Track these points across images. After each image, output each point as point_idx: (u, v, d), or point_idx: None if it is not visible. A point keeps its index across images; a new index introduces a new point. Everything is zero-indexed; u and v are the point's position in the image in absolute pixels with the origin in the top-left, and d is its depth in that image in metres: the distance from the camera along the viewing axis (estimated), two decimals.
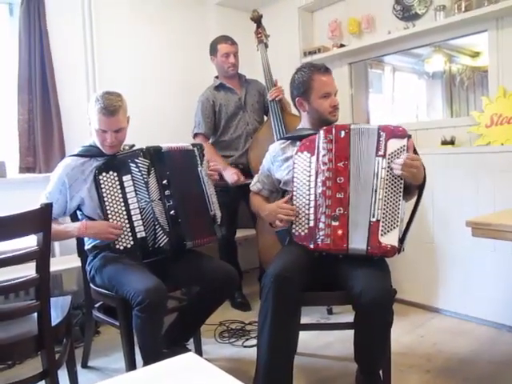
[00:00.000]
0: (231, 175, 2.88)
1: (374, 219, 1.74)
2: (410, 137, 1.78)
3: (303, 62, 3.33)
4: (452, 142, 2.77)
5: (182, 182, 2.09)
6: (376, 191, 1.75)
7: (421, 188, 1.84)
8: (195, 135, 3.06)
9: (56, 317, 1.68)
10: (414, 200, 1.87)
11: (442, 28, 2.79)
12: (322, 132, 1.87)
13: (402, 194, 1.76)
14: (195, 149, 2.17)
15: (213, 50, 3.10)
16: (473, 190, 2.53)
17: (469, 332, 2.51)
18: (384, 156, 1.76)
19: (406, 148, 1.75)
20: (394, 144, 1.76)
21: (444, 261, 2.75)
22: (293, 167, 1.93)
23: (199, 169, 2.15)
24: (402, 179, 1.75)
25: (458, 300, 2.69)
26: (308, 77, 1.99)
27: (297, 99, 2.04)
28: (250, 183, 2.24)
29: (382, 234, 1.73)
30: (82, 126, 2.93)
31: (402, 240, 1.77)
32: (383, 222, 1.73)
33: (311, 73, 2.00)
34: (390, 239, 1.73)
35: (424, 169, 1.80)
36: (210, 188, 2.17)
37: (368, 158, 1.79)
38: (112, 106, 1.95)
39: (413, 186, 1.82)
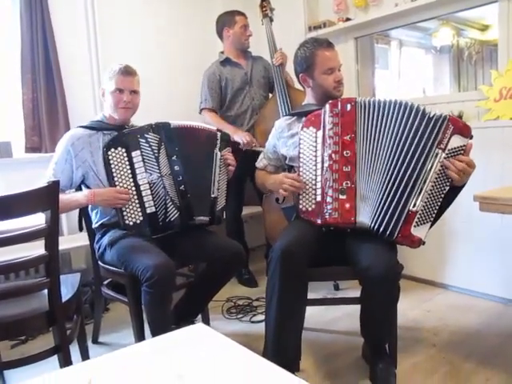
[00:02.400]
0: (244, 136, 2.86)
1: (414, 209, 1.69)
2: (471, 137, 1.71)
3: (308, 37, 3.29)
4: (460, 117, 2.73)
5: (192, 159, 2.09)
6: (425, 182, 1.68)
7: (458, 189, 1.78)
8: (201, 110, 3.04)
9: (66, 293, 1.70)
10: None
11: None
12: (327, 106, 1.85)
13: (445, 192, 1.71)
14: (218, 133, 2.18)
15: (229, 22, 3.05)
16: (481, 165, 2.48)
17: (475, 307, 2.52)
18: (444, 150, 1.68)
19: (464, 149, 1.68)
20: (457, 141, 1.68)
21: (451, 236, 2.74)
22: (299, 143, 1.92)
23: (215, 151, 2.14)
24: (450, 179, 1.69)
25: (465, 276, 2.70)
26: (311, 52, 1.97)
27: (300, 75, 2.02)
28: (259, 152, 2.24)
29: (415, 226, 1.70)
30: (86, 104, 2.94)
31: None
32: (421, 214, 1.69)
33: (314, 48, 1.97)
34: (420, 232, 1.70)
35: None
36: (222, 175, 2.16)
37: (419, 142, 1.70)
38: (130, 68, 2.08)
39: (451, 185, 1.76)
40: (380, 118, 1.77)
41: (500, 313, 2.44)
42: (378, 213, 1.74)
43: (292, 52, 2.12)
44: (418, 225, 1.70)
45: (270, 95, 3.14)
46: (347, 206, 1.78)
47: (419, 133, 1.70)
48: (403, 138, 1.72)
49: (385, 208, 1.73)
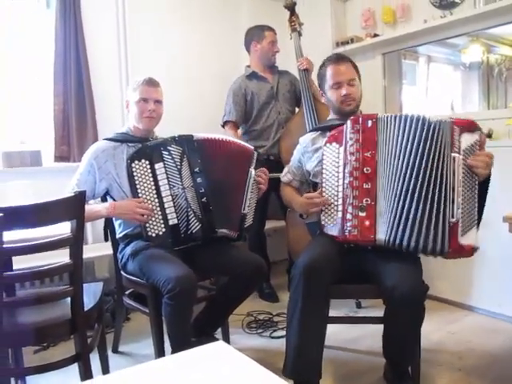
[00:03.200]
0: None
1: (454, 219, 1.64)
2: (481, 130, 1.70)
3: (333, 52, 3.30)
4: (489, 136, 2.68)
5: (219, 172, 2.08)
6: (454, 189, 1.65)
7: (486, 181, 1.75)
8: (225, 123, 3.06)
9: (88, 302, 1.71)
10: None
11: (482, 16, 2.70)
12: (349, 122, 1.84)
13: (477, 191, 1.68)
14: (255, 152, 2.18)
15: (258, 37, 3.08)
16: (511, 185, 2.45)
17: (502, 331, 2.44)
18: (459, 152, 1.66)
19: (479, 143, 1.67)
20: (468, 139, 1.67)
21: (478, 257, 2.65)
22: (322, 159, 1.91)
23: (250, 169, 2.13)
24: (476, 175, 1.67)
25: (493, 298, 2.62)
26: (324, 68, 2.03)
27: (320, 92, 2.09)
28: (278, 177, 2.24)
29: (462, 235, 1.65)
30: (114, 116, 3.00)
31: None
32: (463, 221, 1.65)
33: (326, 64, 2.03)
34: (469, 239, 1.65)
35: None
36: (253, 193, 2.15)
37: (441, 153, 1.67)
38: (154, 79, 2.15)
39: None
40: (397, 133, 1.75)
41: None
42: (400, 229, 1.70)
43: (318, 67, 2.13)
44: (464, 233, 1.65)
45: (297, 109, 3.14)
46: (367, 223, 1.76)
47: (428, 143, 1.69)
48: (416, 150, 1.70)
49: (420, 226, 1.67)
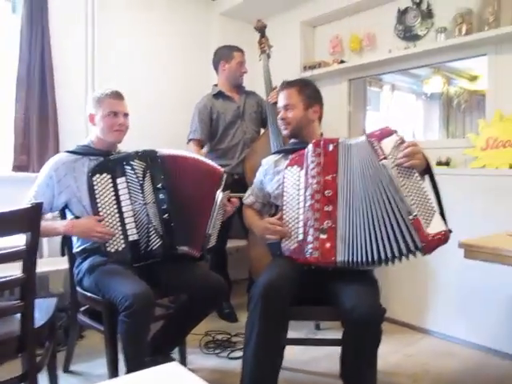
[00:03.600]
0: None
1: (411, 216, 1.67)
2: (396, 132, 1.78)
3: (302, 76, 3.36)
4: (447, 163, 2.78)
5: (184, 189, 2.06)
6: (398, 190, 1.70)
7: (428, 169, 1.80)
8: (189, 141, 3.06)
9: (40, 318, 1.65)
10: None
11: (443, 50, 2.82)
12: (310, 146, 1.87)
13: (420, 180, 1.72)
14: (225, 174, 2.13)
15: (226, 56, 3.11)
16: (466, 211, 2.54)
17: (457, 354, 2.50)
18: (386, 157, 1.73)
19: (400, 141, 1.75)
20: (388, 143, 1.75)
21: (435, 282, 2.74)
22: (283, 181, 1.93)
23: (218, 191, 2.09)
24: (413, 169, 1.72)
25: (448, 322, 2.68)
26: None
27: None
28: (240, 197, 2.23)
29: (426, 226, 1.67)
30: (77, 128, 2.94)
31: (444, 221, 1.72)
32: (421, 214, 1.68)
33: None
34: (436, 226, 1.67)
35: (422, 153, 1.77)
36: (219, 215, 2.12)
37: (374, 167, 1.75)
38: (119, 92, 2.11)
39: (420, 172, 1.79)
40: (350, 156, 1.81)
41: (480, 361, 2.41)
42: (368, 246, 1.72)
43: None
44: (428, 223, 1.68)
45: (262, 130, 3.17)
46: (328, 245, 1.77)
47: (367, 159, 1.77)
48: (364, 168, 1.78)
49: (387, 236, 1.71)
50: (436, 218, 1.69)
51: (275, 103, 2.95)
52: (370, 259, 1.73)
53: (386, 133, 1.78)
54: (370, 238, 1.73)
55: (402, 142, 1.75)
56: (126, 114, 2.11)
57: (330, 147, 1.83)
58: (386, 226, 1.71)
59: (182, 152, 2.16)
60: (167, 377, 0.95)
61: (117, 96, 2.09)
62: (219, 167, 2.18)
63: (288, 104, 2.06)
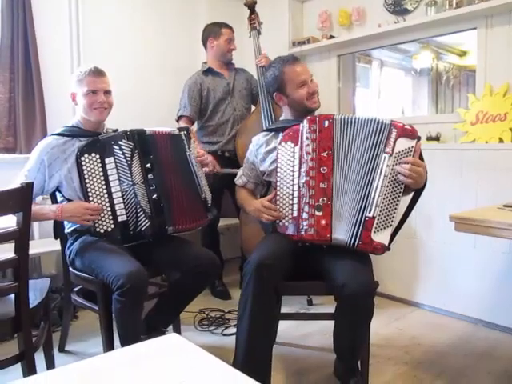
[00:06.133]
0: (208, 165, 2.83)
1: (370, 215, 1.70)
2: (419, 139, 1.74)
3: (290, 52, 3.32)
4: (437, 139, 2.78)
5: (168, 167, 2.05)
6: (377, 188, 1.70)
7: (419, 191, 1.81)
8: (179, 118, 3.03)
9: (34, 299, 1.65)
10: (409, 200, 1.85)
11: (432, 24, 2.80)
12: (305, 121, 1.85)
13: (401, 195, 1.72)
14: (182, 133, 2.13)
15: (215, 33, 3.06)
16: (456, 186, 2.56)
17: (446, 326, 2.55)
18: (391, 154, 1.71)
19: (413, 150, 1.71)
20: (403, 144, 1.71)
21: (425, 256, 2.78)
22: (276, 157, 1.92)
23: (187, 153, 2.11)
24: (401, 182, 1.71)
25: (437, 295, 2.73)
26: (279, 71, 1.99)
27: (274, 95, 2.03)
28: (233, 174, 2.22)
29: (375, 232, 1.70)
30: (64, 107, 2.87)
31: (391, 239, 1.75)
32: (378, 219, 1.70)
33: (281, 66, 1.99)
34: (382, 237, 1.70)
35: (426, 173, 1.76)
36: (199, 171, 2.13)
37: (372, 150, 1.73)
38: (100, 69, 2.05)
39: (411, 189, 1.79)
40: (352, 134, 1.79)
41: (469, 332, 2.47)
42: (350, 227, 1.75)
43: None
44: (377, 230, 1.70)
45: (253, 108, 3.15)
46: (323, 222, 1.78)
47: (373, 143, 1.74)
48: (364, 150, 1.76)
49: (353, 221, 1.74)
50: (387, 231, 1.72)
51: (264, 66, 2.93)
52: (343, 239, 1.76)
53: (410, 133, 1.72)
54: (349, 218, 1.75)
55: (415, 153, 1.71)
56: (107, 92, 2.04)
57: (326, 123, 1.82)
58: (351, 211, 1.74)
59: (163, 128, 2.13)
60: (166, 347, 0.96)
61: (96, 73, 2.02)
62: (175, 130, 2.15)
63: (311, 75, 2.01)
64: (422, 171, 1.72)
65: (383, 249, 1.72)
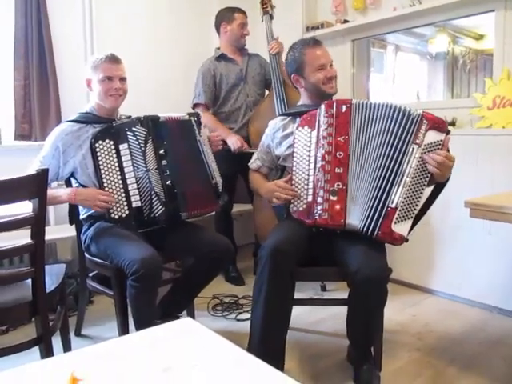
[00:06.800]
0: (235, 141, 2.86)
1: (393, 205, 1.68)
2: (448, 132, 1.71)
3: (305, 37, 3.28)
4: (453, 124, 2.74)
5: (181, 153, 2.06)
6: (402, 178, 1.69)
7: (442, 185, 1.79)
8: (195, 105, 3.03)
9: (50, 283, 1.67)
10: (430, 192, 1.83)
11: (449, 6, 2.73)
12: (323, 106, 1.84)
13: (425, 187, 1.71)
14: (192, 118, 2.14)
15: (228, 18, 3.03)
16: (472, 172, 2.53)
17: (461, 313, 2.53)
18: (420, 145, 1.68)
19: (442, 143, 1.69)
20: (433, 136, 1.69)
21: (439, 242, 2.76)
22: (293, 142, 1.91)
23: (198, 138, 2.12)
24: (430, 173, 1.69)
25: (452, 282, 2.71)
26: (300, 52, 1.98)
27: (292, 76, 2.02)
28: (252, 152, 2.22)
29: (395, 222, 1.68)
30: (79, 94, 2.89)
31: (410, 230, 1.73)
32: (401, 210, 1.68)
33: (302, 48, 1.98)
34: (401, 228, 1.69)
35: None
36: (210, 156, 2.15)
37: (398, 139, 1.71)
38: (116, 56, 2.06)
39: (434, 181, 1.77)
40: (371, 120, 1.77)
41: (484, 319, 2.45)
42: (366, 214, 1.74)
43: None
44: (398, 221, 1.69)
45: (267, 93, 3.13)
46: (337, 207, 1.77)
47: (399, 132, 1.72)
48: (387, 138, 1.74)
49: (370, 208, 1.73)
50: (408, 222, 1.70)
51: (278, 54, 2.92)
52: (357, 225, 1.75)
53: (441, 126, 1.70)
54: (365, 205, 1.74)
55: (443, 147, 1.69)
56: (122, 79, 2.06)
57: (344, 108, 1.80)
58: (374, 198, 1.72)
59: (176, 114, 2.13)
60: (181, 331, 0.97)
61: (112, 60, 2.03)
62: (185, 115, 2.15)
63: (331, 60, 2.00)
64: (452, 165, 1.70)
65: (402, 240, 1.70)
